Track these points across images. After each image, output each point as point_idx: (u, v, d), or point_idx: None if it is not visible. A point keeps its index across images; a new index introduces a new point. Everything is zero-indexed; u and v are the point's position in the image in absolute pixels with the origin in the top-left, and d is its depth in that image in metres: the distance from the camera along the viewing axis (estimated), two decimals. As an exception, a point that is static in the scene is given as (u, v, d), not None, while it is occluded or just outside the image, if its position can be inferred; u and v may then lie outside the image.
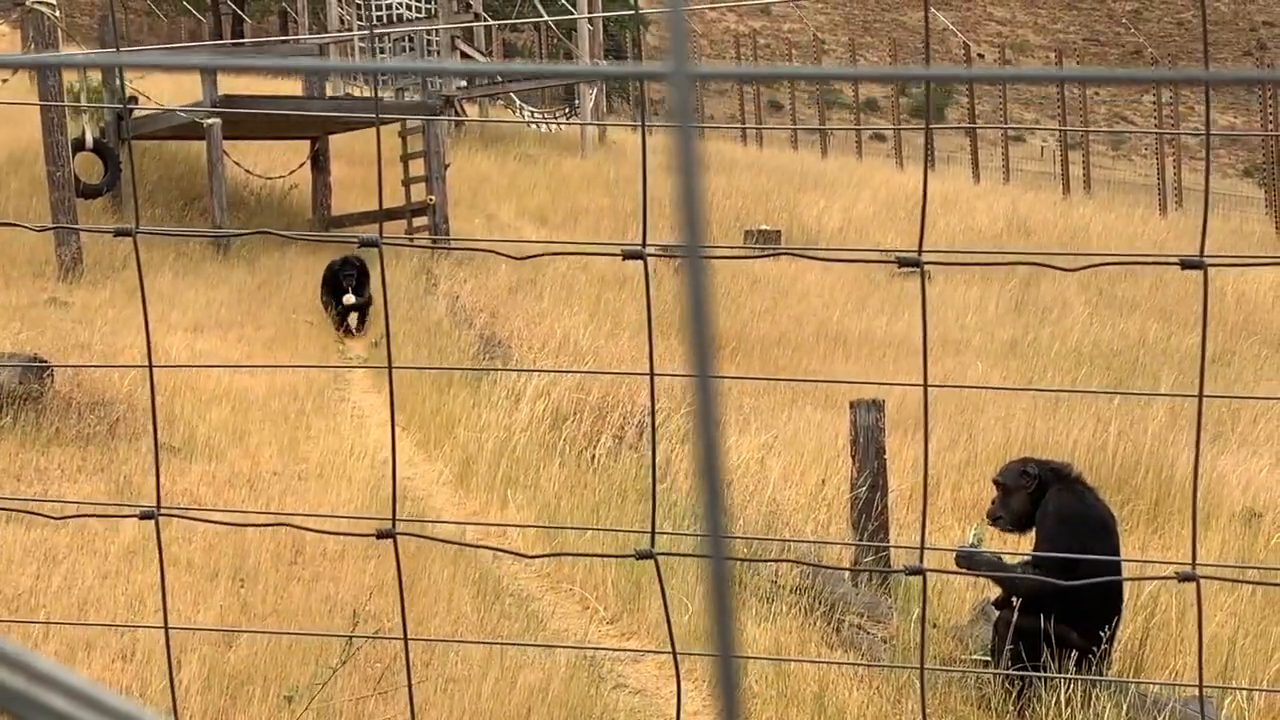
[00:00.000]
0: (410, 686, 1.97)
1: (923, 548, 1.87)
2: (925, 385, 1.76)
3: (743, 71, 0.81)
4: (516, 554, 2.05)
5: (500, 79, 29.80)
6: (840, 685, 6.33)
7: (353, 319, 14.95)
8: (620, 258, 1.67)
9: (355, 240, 1.95)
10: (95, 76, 20.10)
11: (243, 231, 1.84)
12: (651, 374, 1.76)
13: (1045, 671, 6.16)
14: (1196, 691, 6.21)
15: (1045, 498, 6.43)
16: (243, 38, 36.87)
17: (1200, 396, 1.78)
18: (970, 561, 6.43)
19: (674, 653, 1.97)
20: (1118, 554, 6.51)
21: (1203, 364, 1.81)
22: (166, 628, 1.82)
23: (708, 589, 0.67)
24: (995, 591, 6.79)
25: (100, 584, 7.16)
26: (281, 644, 6.28)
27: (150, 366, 1.88)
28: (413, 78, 25.79)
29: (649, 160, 2.16)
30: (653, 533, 1.89)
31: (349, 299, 14.82)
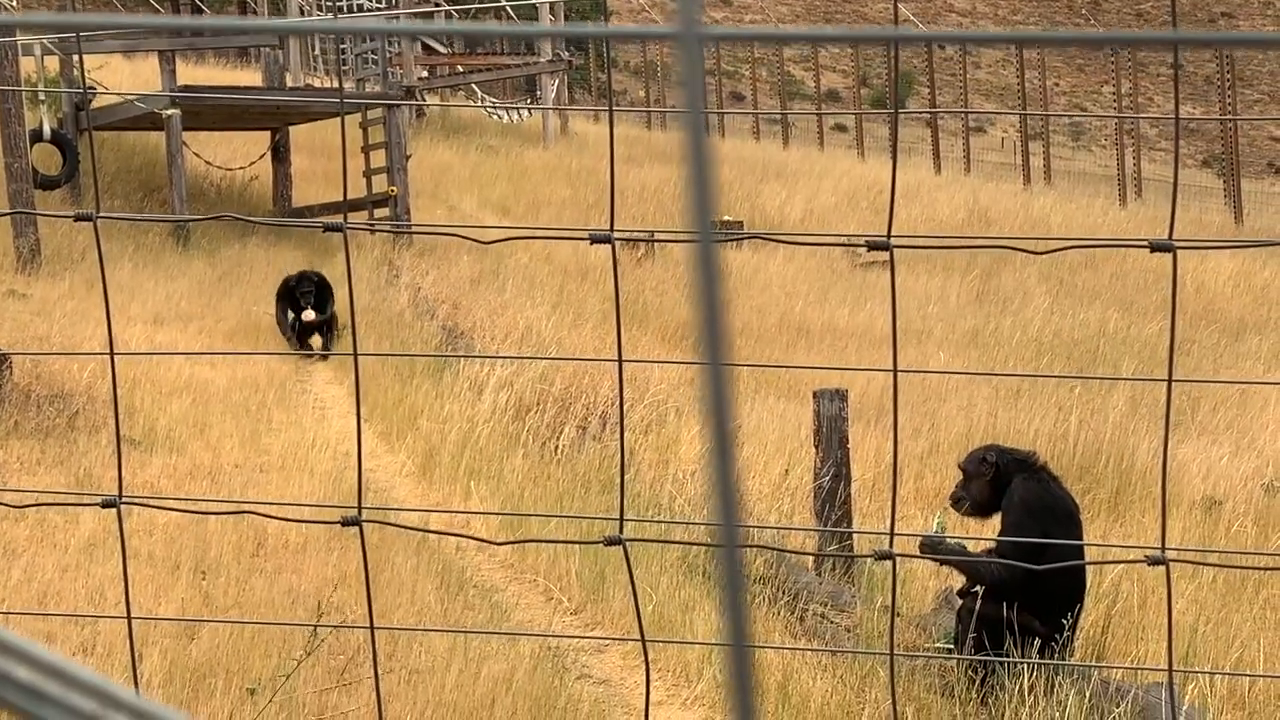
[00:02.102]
0: (376, 675, 1.96)
1: (892, 532, 1.87)
2: (895, 370, 1.75)
3: (754, 33, 0.80)
4: (484, 540, 2.04)
5: (461, 69, 29.71)
6: (804, 675, 6.33)
7: (315, 341, 13.70)
8: (588, 242, 1.65)
9: (319, 225, 1.93)
10: (53, 67, 19.95)
11: (206, 216, 1.82)
12: (620, 360, 1.75)
13: (1008, 660, 6.18)
14: (1160, 677, 6.24)
15: (1011, 486, 6.44)
16: (200, 29, 36.60)
17: (1170, 381, 1.78)
18: (934, 549, 6.44)
19: (643, 640, 1.96)
20: (1081, 542, 6.52)
21: (1172, 346, 1.82)
22: (130, 618, 1.80)
23: (720, 579, 0.66)
24: (959, 580, 6.81)
25: (60, 577, 7.11)
26: (244, 636, 6.25)
27: (111, 354, 1.86)
28: (373, 68, 25.67)
29: (614, 169, 2.15)
30: (621, 519, 1.88)
31: (309, 315, 13.58)
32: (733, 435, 0.64)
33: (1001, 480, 6.51)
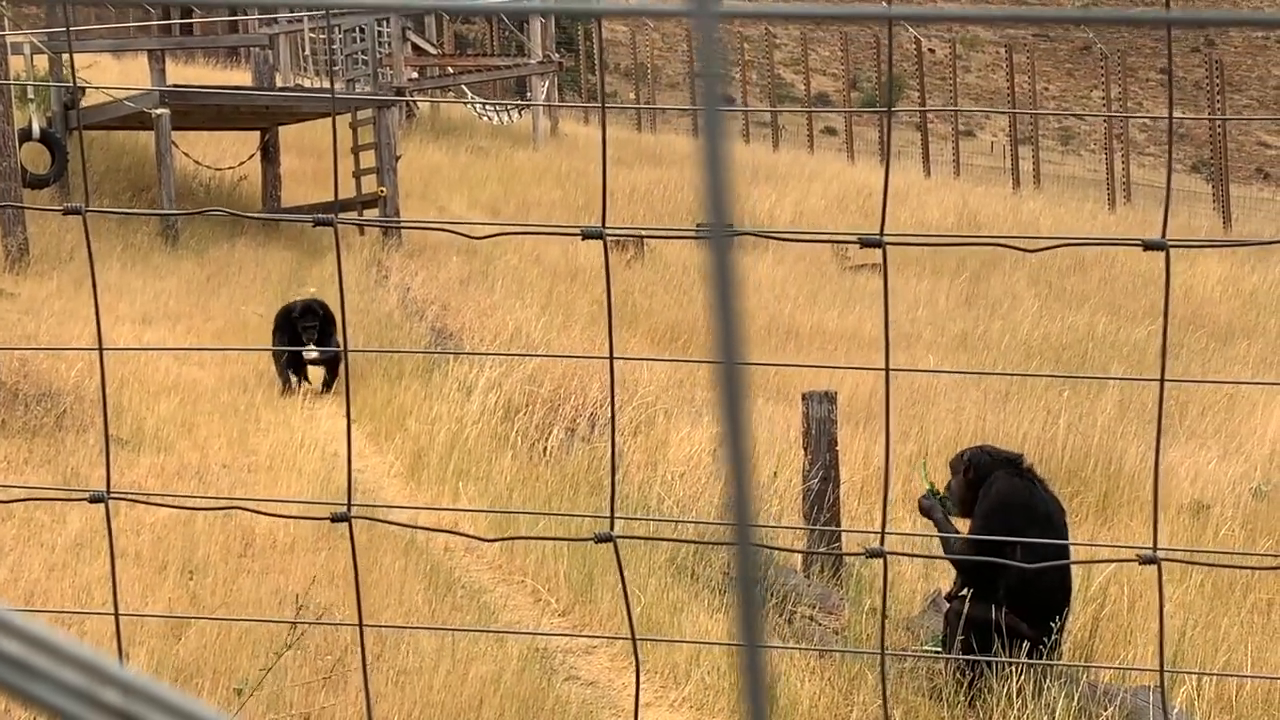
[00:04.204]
0: (365, 672, 1.95)
1: (883, 531, 1.87)
2: (887, 369, 1.75)
3: (771, 10, 0.79)
4: (473, 537, 2.03)
5: (452, 70, 29.70)
6: (792, 677, 6.33)
7: (314, 376, 12.34)
8: (579, 238, 1.65)
9: (310, 220, 1.92)
10: (42, 66, 19.92)
11: (195, 210, 1.81)
12: (611, 357, 1.74)
13: (995, 665, 6.18)
14: (1148, 680, 6.24)
15: (990, 479, 6.47)
16: (191, 28, 36.56)
17: (1161, 380, 1.78)
18: (929, 512, 6.56)
19: (633, 638, 1.95)
20: (1061, 545, 6.52)
21: (1164, 344, 1.81)
22: (116, 615, 1.79)
23: (736, 580, 0.65)
24: (947, 583, 6.82)
25: (47, 576, 7.09)
26: (231, 636, 6.23)
27: (100, 349, 1.85)
28: (364, 68, 25.65)
29: (605, 163, 2.15)
30: (611, 516, 1.87)
31: (311, 353, 11.94)
32: (748, 431, 0.64)
33: (980, 478, 6.54)
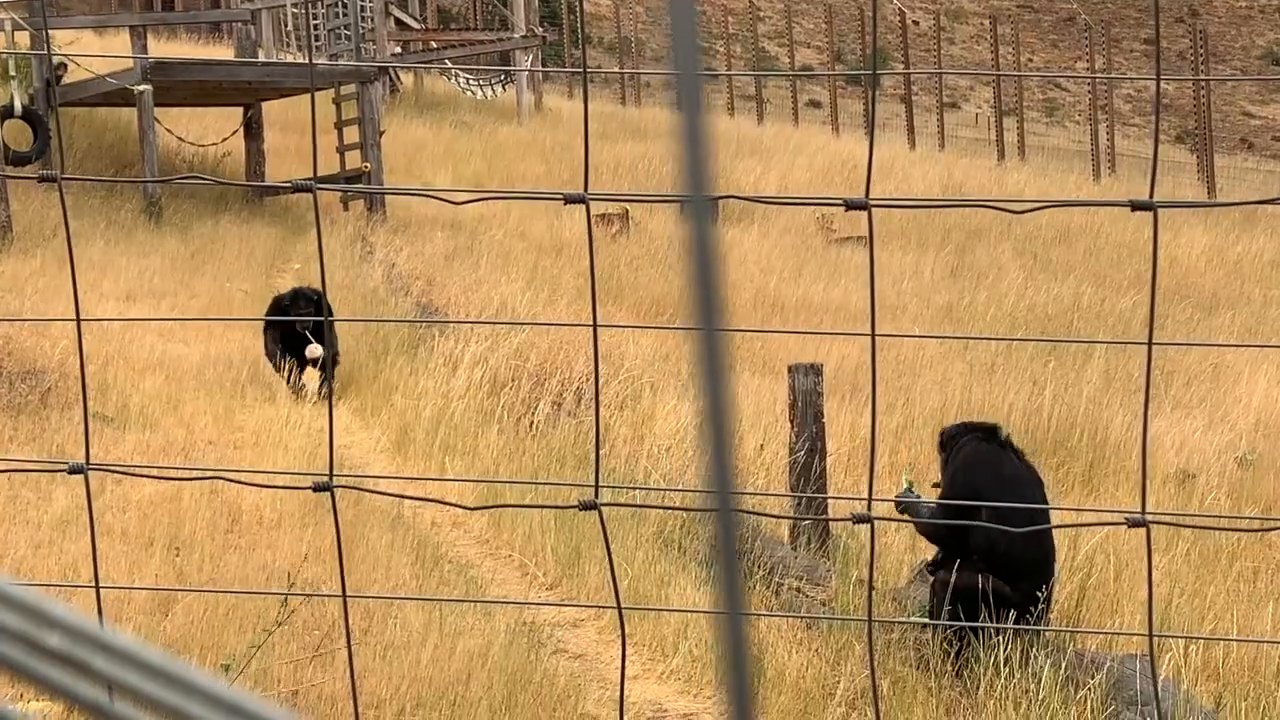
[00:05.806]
0: (349, 643, 1.94)
1: (870, 496, 1.86)
2: (873, 335, 1.74)
3: None
4: (457, 505, 2.02)
5: (435, 45, 29.59)
6: (780, 648, 6.34)
7: (311, 376, 11.24)
8: (562, 202, 1.64)
9: (288, 188, 1.91)
10: (23, 42, 19.81)
11: (170, 178, 1.80)
12: (595, 324, 1.73)
13: (982, 634, 6.19)
14: (1134, 647, 6.26)
15: (958, 445, 6.53)
16: (173, 4, 36.42)
17: (1150, 344, 1.77)
18: (907, 508, 6.58)
19: (619, 607, 1.95)
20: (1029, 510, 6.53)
21: (1153, 305, 1.81)
22: (98, 586, 1.78)
23: (715, 546, 0.64)
24: (932, 552, 6.84)
25: (33, 554, 7.07)
26: (218, 613, 6.22)
27: (78, 319, 1.84)
28: (346, 43, 25.54)
29: (588, 129, 2.13)
30: (596, 484, 1.86)
31: (313, 350, 11.07)
32: (729, 393, 0.62)
33: (954, 449, 6.61)
